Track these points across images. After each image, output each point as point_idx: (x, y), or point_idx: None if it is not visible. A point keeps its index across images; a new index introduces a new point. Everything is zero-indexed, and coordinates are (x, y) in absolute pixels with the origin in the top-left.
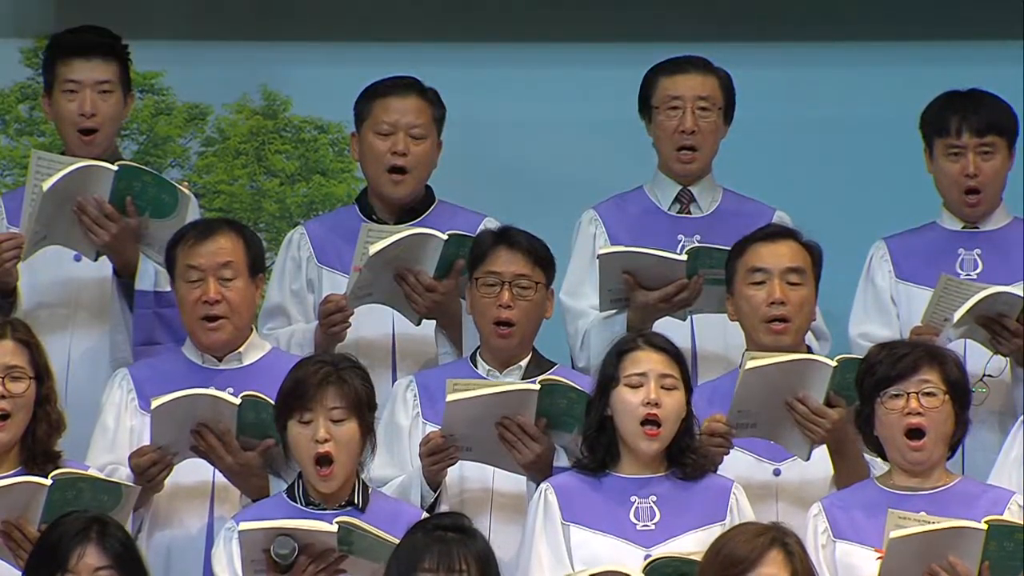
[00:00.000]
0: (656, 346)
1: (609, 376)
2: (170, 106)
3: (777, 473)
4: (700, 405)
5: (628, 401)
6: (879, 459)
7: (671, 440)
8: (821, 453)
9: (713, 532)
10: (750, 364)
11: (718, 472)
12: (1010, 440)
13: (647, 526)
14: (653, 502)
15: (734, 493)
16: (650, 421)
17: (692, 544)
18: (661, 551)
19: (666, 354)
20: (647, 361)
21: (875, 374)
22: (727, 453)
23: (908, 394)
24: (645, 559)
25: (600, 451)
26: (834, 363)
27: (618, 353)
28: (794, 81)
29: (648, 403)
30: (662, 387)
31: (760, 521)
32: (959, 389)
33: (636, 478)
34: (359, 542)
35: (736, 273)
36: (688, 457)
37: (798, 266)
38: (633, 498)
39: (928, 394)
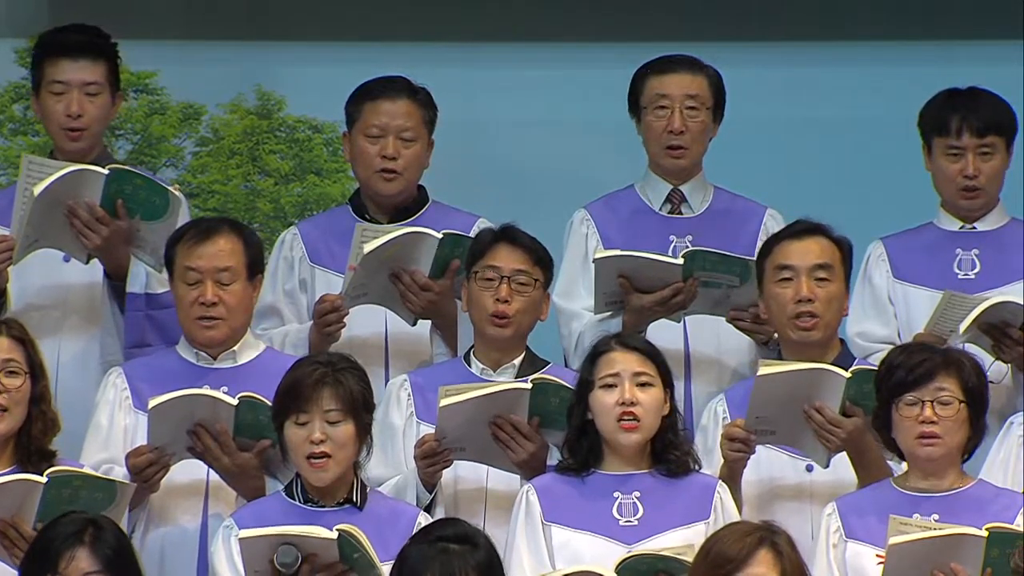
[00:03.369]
0: (629, 346)
1: (586, 380)
2: (164, 106)
3: (809, 469)
4: (733, 407)
5: (604, 402)
6: (897, 459)
7: (654, 436)
8: None
9: (697, 530)
10: (762, 371)
11: (746, 472)
12: (998, 442)
13: (630, 522)
14: (636, 498)
15: (718, 491)
16: (626, 415)
17: (675, 542)
18: (642, 549)
19: (639, 352)
20: (620, 361)
21: (892, 378)
22: (747, 458)
23: (924, 402)
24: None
25: (582, 453)
26: (848, 374)
27: (592, 357)
28: (791, 80)
29: (623, 403)
30: (637, 385)
31: (772, 520)
32: (975, 396)
33: (619, 474)
34: (357, 557)
35: (765, 271)
36: (672, 454)
37: (825, 262)
38: (616, 493)
39: (944, 403)
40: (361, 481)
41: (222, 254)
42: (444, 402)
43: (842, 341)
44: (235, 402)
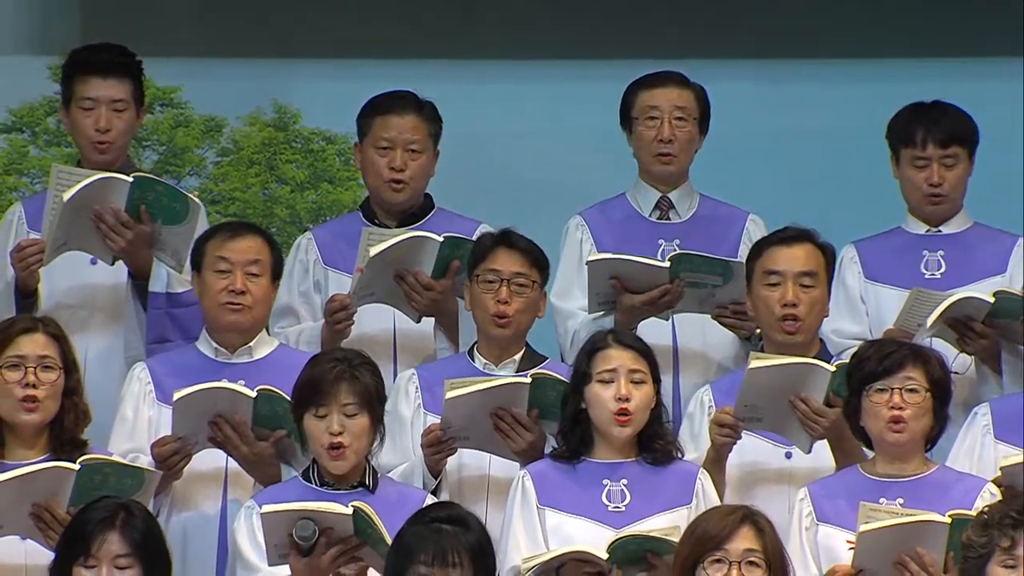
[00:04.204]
0: (625, 344)
1: (582, 373)
2: (188, 119)
3: (789, 456)
4: (718, 396)
5: (600, 396)
6: (865, 448)
7: (642, 428)
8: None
9: (680, 514)
10: (754, 364)
11: (731, 456)
12: (963, 432)
13: (618, 508)
14: (624, 485)
15: (700, 478)
16: (621, 412)
17: (660, 526)
18: (630, 530)
19: (634, 351)
20: (617, 358)
21: (863, 369)
22: (734, 443)
23: (892, 389)
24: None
25: (574, 441)
26: (833, 368)
27: (589, 351)
28: (778, 95)
29: (619, 398)
30: (632, 381)
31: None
32: (941, 387)
33: (608, 463)
34: (370, 532)
35: (753, 273)
36: (657, 444)
37: (811, 270)
38: (605, 481)
39: (911, 390)
40: (372, 467)
41: (252, 248)
42: (449, 395)
43: (821, 340)
44: (254, 394)
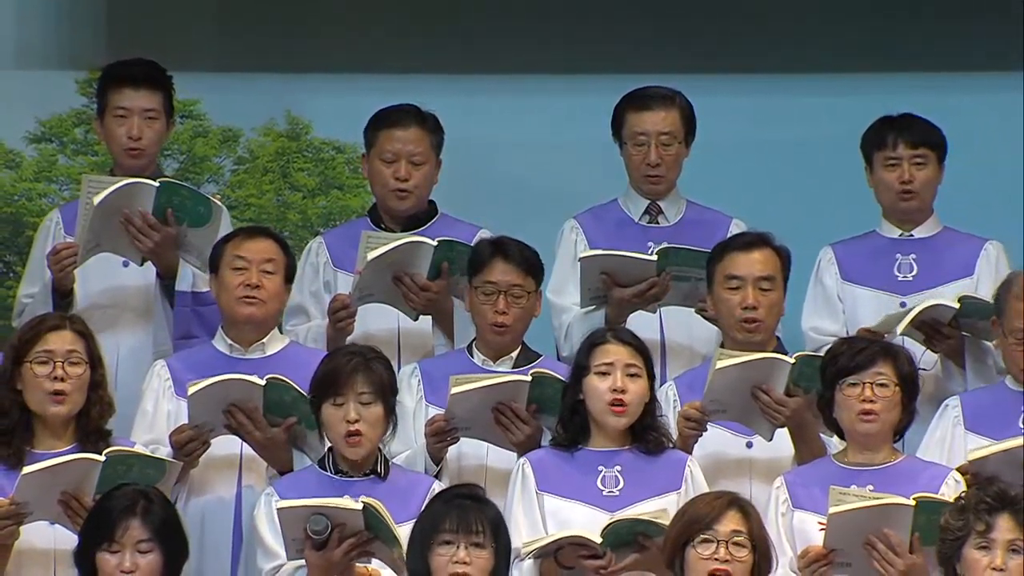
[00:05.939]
0: (623, 340)
1: (581, 365)
2: (206, 129)
3: (749, 446)
4: (682, 390)
5: (597, 388)
6: (836, 438)
7: (636, 421)
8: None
9: (670, 499)
10: (719, 364)
11: (695, 448)
12: (934, 423)
13: (612, 492)
14: (618, 471)
15: (689, 466)
16: (616, 403)
17: (651, 509)
18: (622, 514)
19: (631, 347)
20: (614, 353)
21: (836, 364)
22: (699, 436)
23: (864, 384)
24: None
25: (573, 430)
26: (792, 360)
27: (589, 345)
28: (760, 107)
29: (615, 390)
30: (627, 375)
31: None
32: (909, 382)
33: (603, 450)
34: (379, 527)
35: (714, 276)
36: (650, 435)
37: (769, 274)
38: (600, 467)
39: (881, 385)
40: (384, 456)
41: (268, 249)
42: (455, 390)
43: (778, 338)
44: (262, 383)
